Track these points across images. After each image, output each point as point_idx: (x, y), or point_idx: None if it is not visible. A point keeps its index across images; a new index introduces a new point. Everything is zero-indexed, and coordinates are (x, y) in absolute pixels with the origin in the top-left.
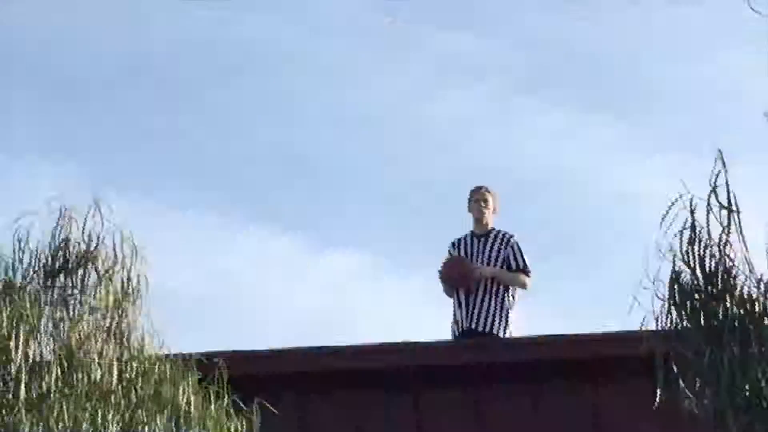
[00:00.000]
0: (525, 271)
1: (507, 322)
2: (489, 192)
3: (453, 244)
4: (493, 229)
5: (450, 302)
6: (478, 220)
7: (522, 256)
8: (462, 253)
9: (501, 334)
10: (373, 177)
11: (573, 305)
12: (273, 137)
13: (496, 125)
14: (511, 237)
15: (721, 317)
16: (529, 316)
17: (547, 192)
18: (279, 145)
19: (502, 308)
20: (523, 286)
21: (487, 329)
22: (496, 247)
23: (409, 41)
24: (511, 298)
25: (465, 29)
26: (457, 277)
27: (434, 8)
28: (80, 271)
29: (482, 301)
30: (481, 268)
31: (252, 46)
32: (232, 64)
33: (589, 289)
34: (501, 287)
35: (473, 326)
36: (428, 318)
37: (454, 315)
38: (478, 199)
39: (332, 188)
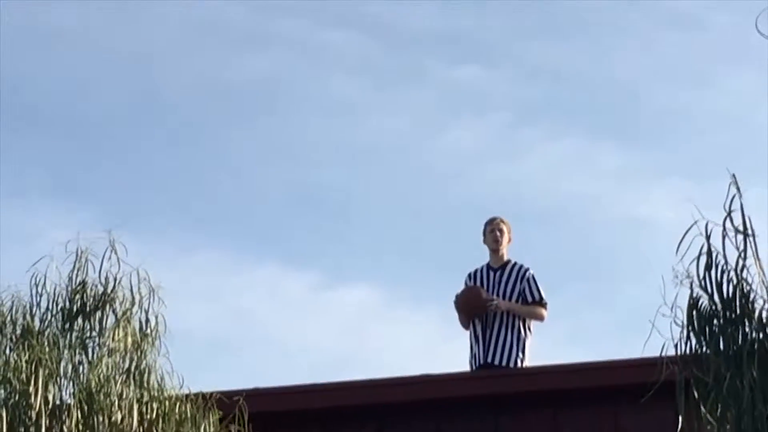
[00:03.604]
0: (541, 303)
1: (524, 354)
2: (504, 222)
3: (469, 275)
4: (509, 261)
5: (465, 334)
6: (494, 251)
7: (538, 288)
8: (478, 285)
9: (518, 366)
10: (384, 211)
11: (590, 332)
12: (284, 175)
13: (504, 156)
14: (527, 270)
15: (740, 342)
16: (546, 344)
17: (557, 220)
18: (290, 183)
19: (518, 341)
20: (540, 318)
21: (504, 362)
22: (512, 280)
23: (415, 76)
24: (527, 330)
25: (470, 62)
26: (474, 304)
27: (439, 42)
28: (98, 314)
29: (498, 334)
30: (497, 302)
31: (263, 86)
32: (244, 103)
33: (605, 315)
34: (517, 320)
35: (490, 360)
36: (443, 350)
37: (471, 349)
38: (493, 229)
39: (343, 223)
